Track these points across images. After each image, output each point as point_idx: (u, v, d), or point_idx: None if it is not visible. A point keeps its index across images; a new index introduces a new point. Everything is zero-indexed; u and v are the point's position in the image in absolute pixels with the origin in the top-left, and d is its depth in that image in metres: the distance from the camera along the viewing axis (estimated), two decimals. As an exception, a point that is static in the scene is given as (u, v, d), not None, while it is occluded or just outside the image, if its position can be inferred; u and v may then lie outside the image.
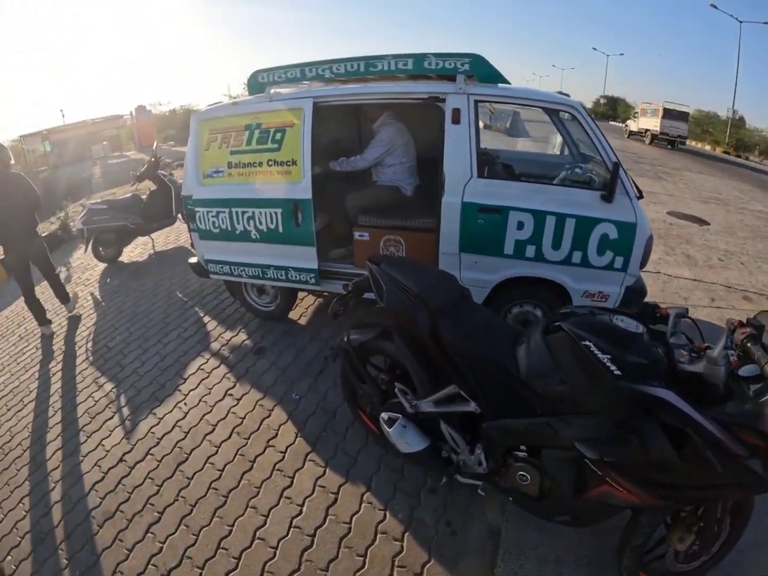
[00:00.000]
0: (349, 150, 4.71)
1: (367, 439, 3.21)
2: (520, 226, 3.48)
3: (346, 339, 2.87)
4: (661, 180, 13.26)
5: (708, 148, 31.18)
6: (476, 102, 3.50)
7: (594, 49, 76.81)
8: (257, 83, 3.93)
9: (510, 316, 3.86)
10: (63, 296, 5.80)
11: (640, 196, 3.44)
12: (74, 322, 5.67)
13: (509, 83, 3.66)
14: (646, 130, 25.91)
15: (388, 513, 2.76)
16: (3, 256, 5.81)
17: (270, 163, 3.86)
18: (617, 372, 1.85)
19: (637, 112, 28.99)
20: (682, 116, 25.74)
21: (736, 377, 1.80)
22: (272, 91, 3.89)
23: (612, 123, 43.96)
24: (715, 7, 31.88)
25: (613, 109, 58.77)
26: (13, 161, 5.15)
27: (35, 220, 5.34)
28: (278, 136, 3.82)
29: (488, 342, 2.35)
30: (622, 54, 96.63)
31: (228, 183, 4.05)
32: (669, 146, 24.53)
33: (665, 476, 1.89)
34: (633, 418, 1.86)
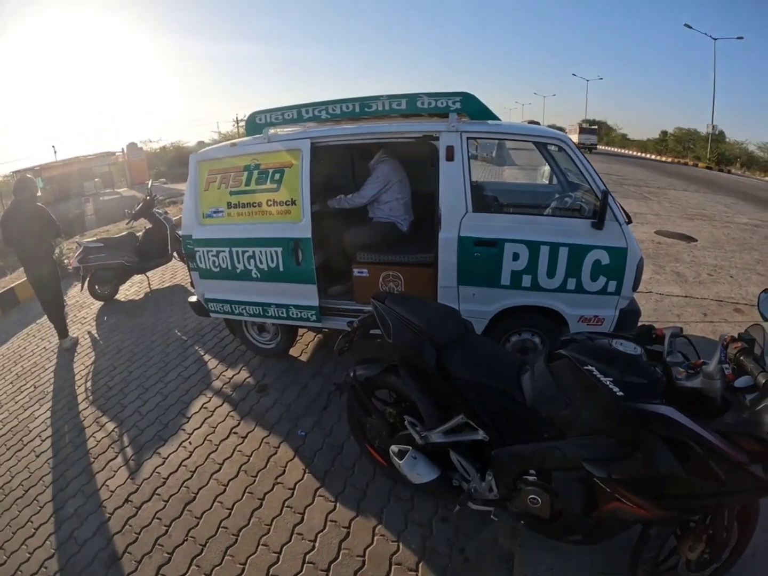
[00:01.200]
0: (342, 187, 4.82)
1: (375, 472, 3.24)
2: (516, 257, 3.58)
3: (352, 374, 2.94)
4: (647, 200, 13.47)
5: (690, 164, 31.59)
6: (468, 139, 3.63)
7: (573, 75, 77.77)
8: (255, 124, 4.04)
9: (509, 344, 3.93)
10: (62, 330, 5.92)
11: (629, 221, 3.56)
12: (70, 356, 5.70)
13: (499, 119, 3.80)
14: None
15: (401, 544, 2.78)
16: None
17: (269, 203, 3.95)
18: (620, 393, 1.94)
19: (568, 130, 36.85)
20: (592, 131, 38.21)
21: (732, 389, 1.90)
22: (270, 132, 3.98)
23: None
24: (689, 26, 32.90)
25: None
26: (39, 193, 5.62)
27: (51, 246, 5.90)
28: (277, 176, 3.91)
29: (493, 372, 2.44)
30: (601, 78, 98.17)
31: (228, 223, 4.12)
32: (587, 151, 32.32)
33: (672, 488, 1.96)
34: (637, 435, 1.94)
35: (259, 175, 3.97)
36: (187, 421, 4.06)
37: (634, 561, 2.27)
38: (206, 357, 5.08)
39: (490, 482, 2.48)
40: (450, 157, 3.60)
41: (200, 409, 4.20)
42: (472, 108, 3.65)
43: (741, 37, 33.40)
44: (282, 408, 4.04)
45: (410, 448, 2.65)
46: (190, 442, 3.81)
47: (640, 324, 2.39)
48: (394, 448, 2.72)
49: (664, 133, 45.73)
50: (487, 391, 2.36)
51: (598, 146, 38.73)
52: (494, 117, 3.74)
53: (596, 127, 43.22)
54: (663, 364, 2.10)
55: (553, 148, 3.94)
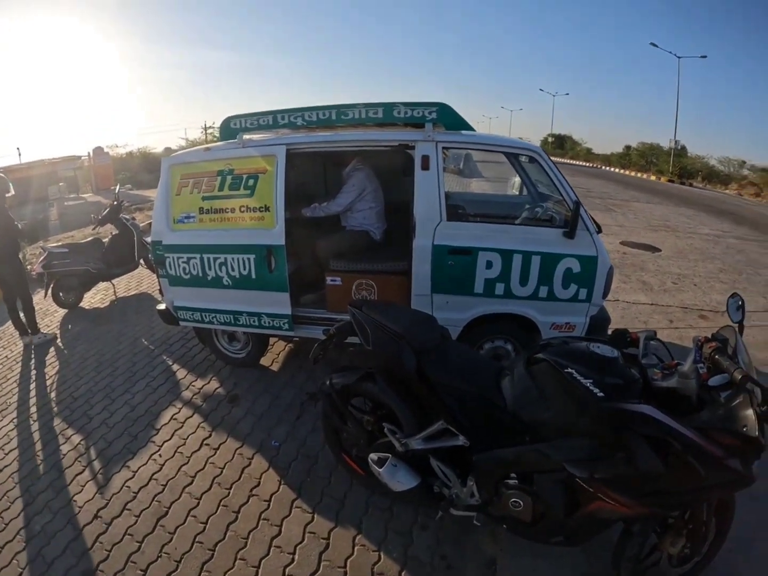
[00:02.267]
0: (315, 195, 4.82)
1: (352, 482, 3.21)
2: (489, 265, 3.64)
3: (328, 383, 2.92)
4: (612, 212, 13.81)
5: (653, 178, 32.34)
6: (443, 149, 3.66)
7: (541, 90, 79.38)
8: (229, 129, 4.00)
9: (482, 352, 3.97)
10: (33, 326, 5.89)
11: (599, 231, 3.65)
12: (38, 361, 5.56)
13: (473, 129, 3.87)
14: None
15: (382, 553, 2.75)
16: None
17: (243, 209, 3.90)
18: (600, 394, 2.00)
19: None
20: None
21: (707, 388, 1.97)
22: (244, 137, 3.95)
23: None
24: (655, 45, 34.06)
25: (561, 146, 61.12)
26: (10, 193, 5.54)
27: (18, 244, 5.79)
28: (251, 182, 3.87)
29: (473, 377, 2.47)
30: (567, 94, 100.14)
31: (199, 228, 4.05)
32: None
33: (653, 485, 2.00)
34: (619, 434, 1.99)
35: (232, 181, 3.92)
36: (157, 433, 3.95)
37: (617, 559, 2.33)
38: (175, 366, 4.97)
39: (471, 487, 2.49)
40: (425, 166, 3.63)
41: (170, 420, 4.09)
42: (448, 118, 3.69)
43: (704, 56, 34.47)
44: (254, 418, 3.98)
45: (390, 455, 2.64)
46: (160, 455, 3.70)
47: (616, 328, 2.45)
48: (373, 456, 2.71)
49: (628, 147, 46.76)
50: (467, 396, 2.39)
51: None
52: (469, 127, 3.81)
53: (529, 139, 46.98)
54: (639, 366, 2.18)
55: (524, 159, 4.00)
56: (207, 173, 4.01)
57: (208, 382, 4.58)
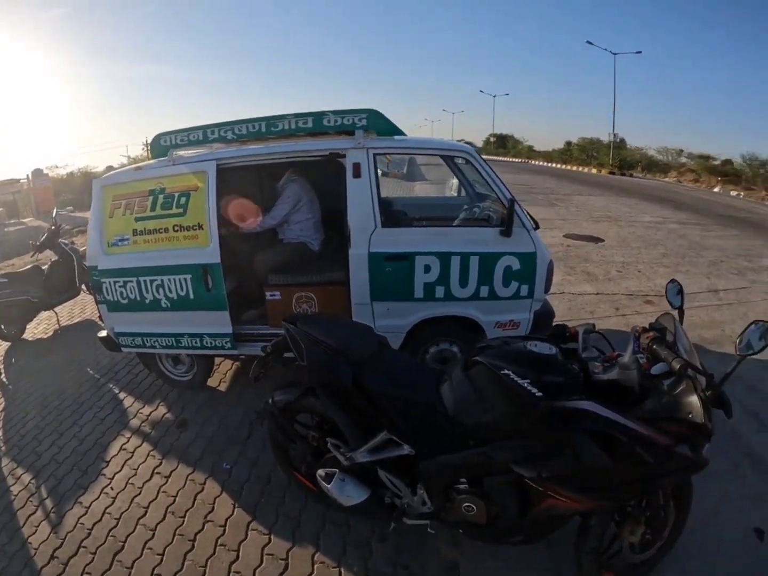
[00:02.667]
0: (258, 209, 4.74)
1: (307, 499, 3.15)
2: (427, 269, 3.65)
3: (270, 401, 2.87)
4: (555, 206, 14.14)
5: (594, 171, 33.10)
6: (375, 155, 3.66)
7: (481, 91, 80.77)
8: (160, 146, 3.90)
9: (428, 355, 3.97)
10: None
11: (537, 227, 3.70)
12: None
13: (405, 134, 3.86)
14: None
15: (342, 569, 2.71)
16: None
17: (176, 228, 3.81)
18: (539, 393, 1.99)
19: None
20: (467, 143, 40.62)
21: (649, 377, 1.99)
22: (175, 154, 3.86)
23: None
24: (591, 43, 35.44)
25: (503, 145, 62.38)
26: None
27: None
28: (183, 200, 3.78)
29: (412, 385, 2.45)
30: (507, 94, 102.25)
31: (134, 251, 3.93)
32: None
33: (603, 479, 2.02)
34: (562, 432, 2.00)
35: (164, 200, 3.82)
36: (107, 465, 3.80)
37: (578, 553, 2.34)
38: (121, 395, 4.80)
39: (422, 495, 2.46)
40: (357, 173, 3.62)
41: (119, 450, 3.95)
42: (379, 124, 3.69)
43: (639, 52, 35.81)
44: (204, 442, 3.88)
45: (337, 470, 2.60)
46: (111, 488, 3.56)
47: (555, 324, 2.45)
48: (320, 472, 2.67)
49: (569, 143, 47.82)
50: (407, 404, 2.36)
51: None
52: (400, 132, 3.80)
53: (471, 141, 50.14)
54: (579, 360, 2.18)
55: (460, 161, 4.01)
56: (139, 193, 3.90)
57: (156, 408, 4.45)
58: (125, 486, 3.56)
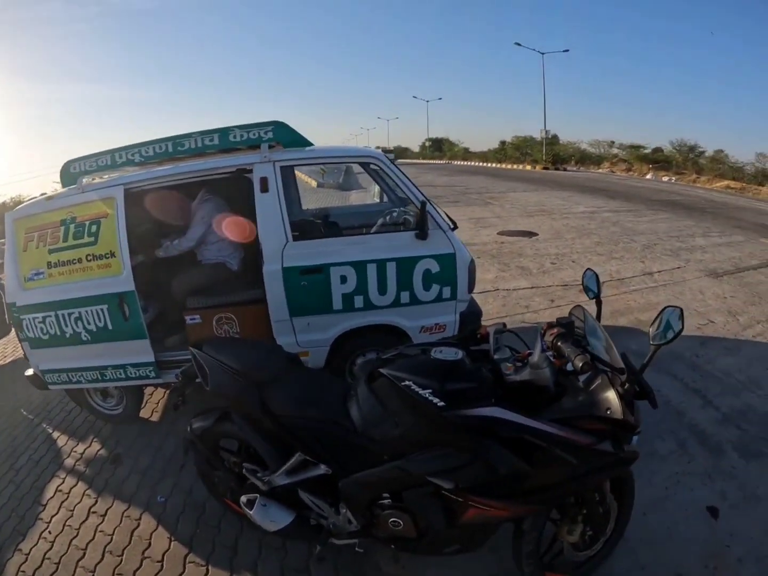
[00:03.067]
0: (175, 231, 4.62)
1: (242, 526, 3.07)
2: (344, 280, 3.60)
3: (189, 429, 2.78)
4: (489, 205, 14.27)
5: (529, 168, 33.82)
6: (282, 168, 3.60)
7: (414, 97, 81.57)
8: (70, 174, 3.79)
9: (355, 366, 3.93)
10: None
11: (455, 227, 3.69)
12: None
13: (312, 144, 3.82)
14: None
15: (283, 594, 2.63)
16: None
17: (89, 258, 3.67)
18: (441, 404, 1.92)
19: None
20: (390, 151, 44.40)
21: (564, 373, 1.96)
22: (84, 181, 3.72)
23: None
24: (519, 44, 36.66)
25: (439, 149, 63.57)
26: None
27: None
28: (94, 228, 3.65)
29: (319, 403, 2.38)
30: (440, 98, 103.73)
31: (50, 284, 3.78)
32: None
33: (524, 484, 1.97)
34: (472, 441, 1.94)
35: (76, 229, 3.67)
36: (44, 509, 3.62)
37: (517, 558, 2.29)
38: (55, 434, 4.58)
39: (346, 514, 2.39)
40: (264, 188, 3.55)
41: (55, 492, 3.77)
42: (285, 136, 3.65)
43: (567, 50, 36.79)
44: (138, 476, 3.74)
45: (258, 495, 2.52)
46: (49, 532, 3.39)
47: (494, 323, 2.40)
48: (243, 498, 2.57)
49: (503, 142, 48.87)
50: (314, 424, 2.29)
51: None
52: (308, 143, 3.77)
53: (392, 149, 58.59)
54: (491, 362, 2.12)
55: (374, 166, 3.99)
56: (51, 224, 3.74)
57: (90, 445, 4.26)
58: (63, 528, 3.41)
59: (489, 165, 41.10)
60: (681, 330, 1.79)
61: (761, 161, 26.63)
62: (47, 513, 3.59)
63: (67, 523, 3.45)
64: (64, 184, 3.89)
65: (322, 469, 2.32)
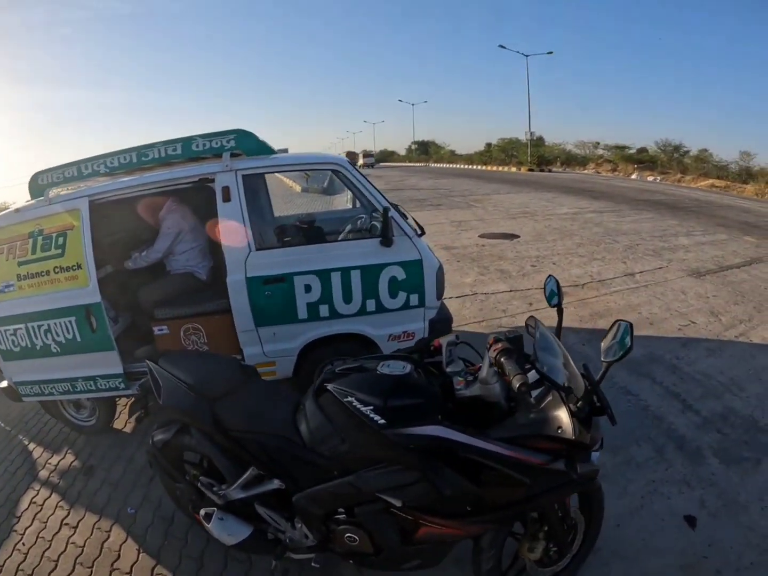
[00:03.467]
0: (147, 240, 4.61)
1: (209, 538, 3.00)
2: (308, 288, 3.58)
3: (150, 441, 2.75)
4: (472, 207, 14.28)
5: (514, 169, 33.96)
6: (244, 177, 3.59)
7: (400, 100, 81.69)
8: (38, 186, 3.76)
9: (322, 376, 3.88)
10: None
11: (422, 233, 3.67)
12: None
13: (275, 152, 3.82)
14: (362, 164, 44.22)
15: (247, 606, 2.60)
16: None
17: (57, 270, 3.66)
18: (381, 421, 1.89)
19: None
20: (371, 155, 54.48)
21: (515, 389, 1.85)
22: (51, 193, 3.71)
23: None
24: (503, 47, 36.68)
25: (425, 152, 63.78)
26: None
27: None
28: (60, 240, 3.64)
29: (269, 418, 2.35)
30: (426, 102, 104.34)
31: (20, 297, 3.77)
32: (370, 167, 45.45)
33: (474, 503, 1.93)
34: (415, 460, 1.90)
35: (43, 242, 3.67)
36: (18, 521, 3.61)
37: (478, 575, 2.23)
38: (31, 445, 4.56)
39: (301, 529, 2.36)
40: (227, 197, 3.54)
41: (29, 504, 3.75)
42: (248, 144, 3.64)
43: (551, 52, 37.06)
44: (110, 487, 3.73)
45: (215, 509, 2.50)
46: (23, 543, 3.38)
47: (449, 336, 2.34)
48: (201, 511, 2.56)
49: (489, 144, 49.09)
50: (264, 438, 2.26)
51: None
52: (271, 151, 3.76)
53: (372, 152, 62.38)
54: (444, 375, 2.08)
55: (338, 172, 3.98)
56: (19, 237, 3.73)
57: (64, 456, 4.25)
58: (36, 540, 3.41)
59: (475, 167, 41.20)
60: (630, 347, 1.71)
61: (745, 159, 26.94)
62: (21, 525, 3.58)
63: (40, 535, 3.44)
64: (32, 195, 3.86)
65: (276, 483, 2.30)
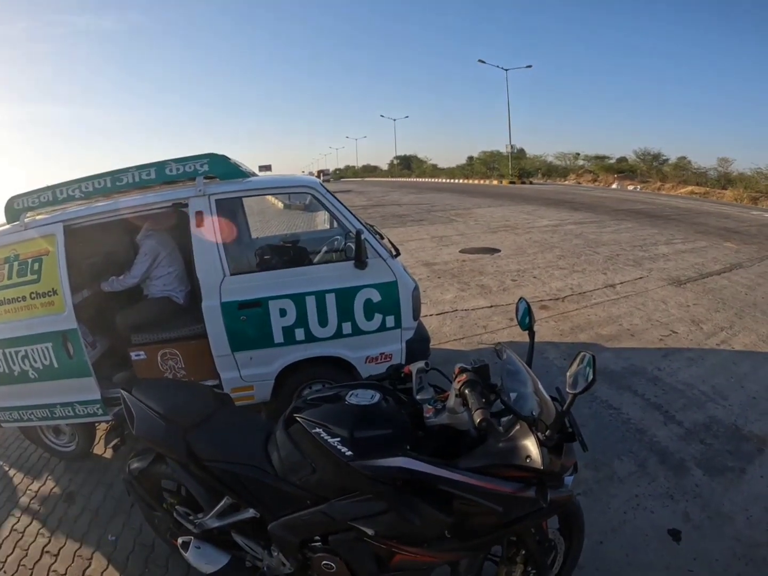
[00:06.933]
0: (125, 263, 4.59)
1: (189, 565, 3.01)
2: (283, 313, 3.58)
3: (127, 469, 2.74)
4: (453, 222, 14.33)
5: (495, 182, 34.21)
6: (218, 201, 3.59)
7: (381, 116, 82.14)
8: (13, 210, 3.75)
9: (301, 399, 3.89)
10: None
11: (397, 254, 3.70)
12: None
13: (248, 176, 3.84)
14: (321, 181, 47.51)
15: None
16: None
17: (33, 295, 3.63)
18: (348, 453, 1.88)
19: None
20: (327, 172, 62.74)
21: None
22: (26, 218, 3.70)
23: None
24: (483, 61, 37.05)
25: (408, 166, 64.18)
26: None
27: None
28: (36, 266, 3.62)
29: (241, 447, 2.34)
30: (407, 117, 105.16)
31: None
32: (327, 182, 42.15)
33: (448, 533, 1.92)
34: (384, 490, 1.90)
35: (19, 267, 3.64)
36: (-1, 549, 3.57)
37: None
38: (12, 471, 4.47)
39: (278, 557, 2.35)
40: (200, 222, 3.54)
41: (10, 532, 3.69)
42: (221, 169, 3.66)
43: (530, 66, 37.41)
44: (90, 514, 3.68)
45: (192, 538, 2.49)
46: (4, 572, 3.34)
47: (416, 364, 2.32)
48: (179, 540, 2.55)
49: (471, 158, 49.46)
50: (236, 468, 2.25)
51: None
52: (244, 175, 3.77)
53: (329, 170, 71.98)
54: (414, 403, 2.07)
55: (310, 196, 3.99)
56: None
57: (44, 483, 4.18)
58: (17, 569, 3.36)
59: (456, 181, 41.43)
60: (594, 380, 1.67)
61: (723, 165, 27.38)
62: (2, 552, 3.52)
63: (21, 563, 3.39)
64: (8, 220, 3.84)
65: (251, 512, 2.30)
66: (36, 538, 3.60)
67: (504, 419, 1.92)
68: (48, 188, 3.70)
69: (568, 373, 1.78)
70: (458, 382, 1.94)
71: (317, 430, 1.97)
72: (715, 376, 4.69)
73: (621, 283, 7.63)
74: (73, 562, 3.30)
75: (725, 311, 6.36)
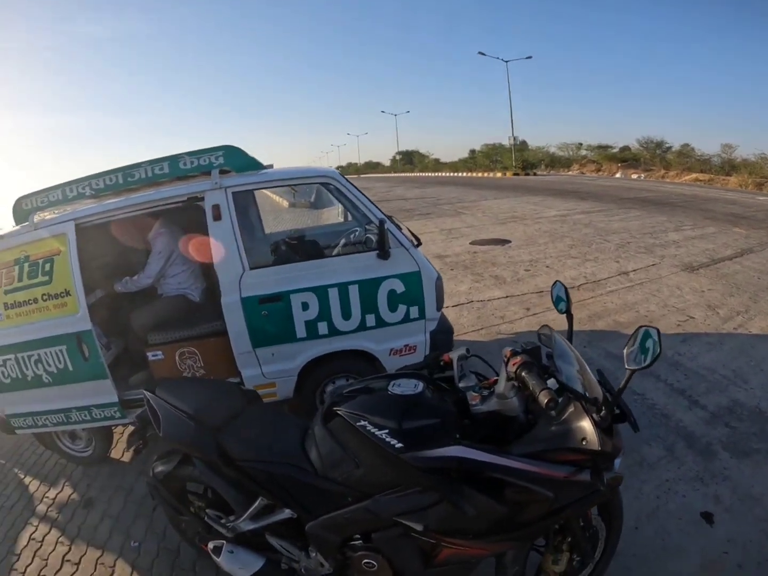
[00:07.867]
0: (139, 263, 4.52)
1: (218, 569, 2.93)
2: (305, 306, 3.51)
3: (151, 473, 2.66)
4: (461, 215, 14.24)
5: (499, 175, 34.17)
6: (234, 194, 3.51)
7: (382, 111, 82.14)
8: (22, 211, 3.66)
9: (326, 394, 3.82)
10: None
11: (418, 244, 3.63)
12: None
13: (263, 167, 3.75)
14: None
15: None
16: None
17: (45, 297, 3.55)
18: (399, 445, 1.82)
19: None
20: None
21: (535, 401, 1.80)
22: (36, 218, 3.62)
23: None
24: (483, 53, 36.81)
25: (410, 161, 64.13)
26: None
27: None
28: (47, 266, 3.54)
29: (276, 446, 2.27)
30: (408, 111, 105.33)
31: (8, 326, 3.65)
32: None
33: (498, 522, 1.86)
34: (436, 482, 1.84)
35: (30, 268, 3.56)
36: (18, 559, 3.48)
37: None
38: (27, 479, 4.42)
39: (317, 558, 2.27)
40: (217, 216, 3.45)
41: (29, 541, 3.63)
42: (237, 161, 3.57)
43: (530, 57, 37.31)
44: (111, 520, 3.61)
45: (224, 542, 2.41)
46: None
47: (458, 348, 2.25)
48: (210, 545, 2.46)
49: (473, 151, 49.39)
50: (272, 467, 2.17)
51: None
52: (260, 166, 3.69)
53: (331, 166, 62.76)
54: (457, 391, 2.02)
55: (331, 186, 3.90)
56: (4, 264, 3.63)
57: (62, 490, 4.12)
58: (38, 579, 3.30)
59: (460, 174, 41.39)
60: (659, 353, 1.63)
61: (727, 152, 27.30)
62: (21, 563, 3.46)
63: (41, 574, 3.33)
64: (17, 221, 3.77)
65: (287, 513, 2.23)
66: (56, 546, 3.54)
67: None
68: (57, 187, 3.61)
69: (626, 350, 1.72)
70: (513, 364, 1.87)
71: (362, 423, 1.91)
72: (735, 360, 4.70)
73: (634, 270, 7.58)
74: (95, 570, 3.23)
75: (739, 296, 6.35)
